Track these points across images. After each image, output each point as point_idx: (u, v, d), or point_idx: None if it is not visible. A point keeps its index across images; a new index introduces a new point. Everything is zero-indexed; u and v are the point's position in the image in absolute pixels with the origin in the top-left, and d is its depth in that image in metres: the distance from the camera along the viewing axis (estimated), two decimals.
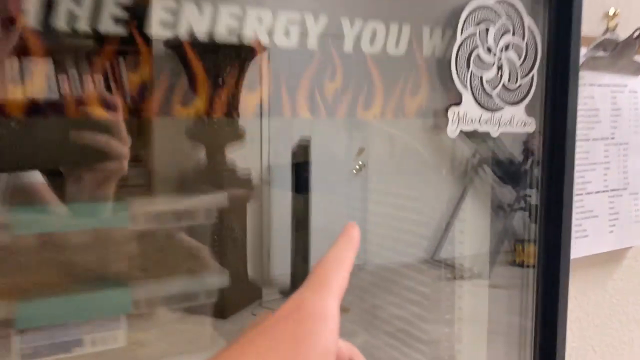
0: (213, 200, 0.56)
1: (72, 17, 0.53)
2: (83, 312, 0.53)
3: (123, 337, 0.54)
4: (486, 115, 0.71)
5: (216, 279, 0.54)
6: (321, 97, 0.62)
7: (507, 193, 2.90)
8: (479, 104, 0.71)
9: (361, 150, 2.71)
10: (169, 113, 0.58)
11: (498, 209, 2.92)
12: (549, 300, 0.89)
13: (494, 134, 0.73)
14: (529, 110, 0.77)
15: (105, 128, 0.56)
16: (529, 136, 3.14)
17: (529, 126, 0.77)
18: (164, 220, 0.57)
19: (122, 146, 0.58)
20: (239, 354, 0.26)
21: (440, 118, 0.69)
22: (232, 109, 0.58)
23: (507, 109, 0.72)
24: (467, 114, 0.70)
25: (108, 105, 0.57)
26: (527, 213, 3.20)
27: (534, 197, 3.22)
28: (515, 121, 0.75)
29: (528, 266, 2.99)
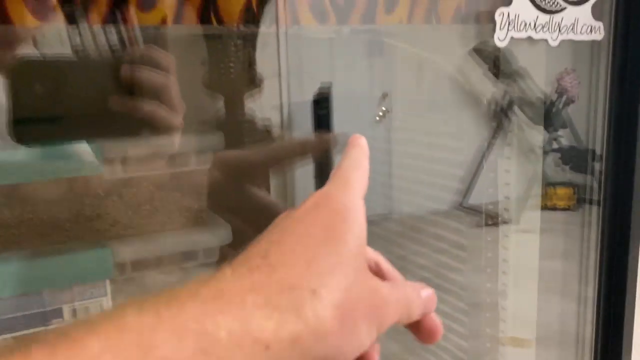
0: (206, 142, 0.46)
1: None
2: (59, 279, 0.46)
3: (108, 305, 0.47)
4: (543, 17, 0.59)
5: (218, 234, 0.45)
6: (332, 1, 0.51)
7: (538, 135, 2.77)
8: (534, 3, 0.58)
9: (385, 96, 2.60)
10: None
11: (529, 151, 2.80)
12: (617, 242, 0.79)
13: (553, 42, 0.60)
14: (596, 13, 0.63)
15: (152, 93, 0.44)
16: (563, 73, 2.97)
17: (596, 32, 0.63)
18: (149, 166, 0.47)
19: (173, 116, 0.46)
20: (274, 243, 0.27)
21: (484, 24, 0.57)
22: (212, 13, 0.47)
23: (570, 9, 0.59)
24: (520, 17, 0.57)
25: (156, 64, 0.44)
26: (558, 155, 3.08)
27: (566, 137, 3.08)
28: (580, 26, 0.62)
29: (560, 209, 2.90)
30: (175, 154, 0.46)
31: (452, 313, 1.42)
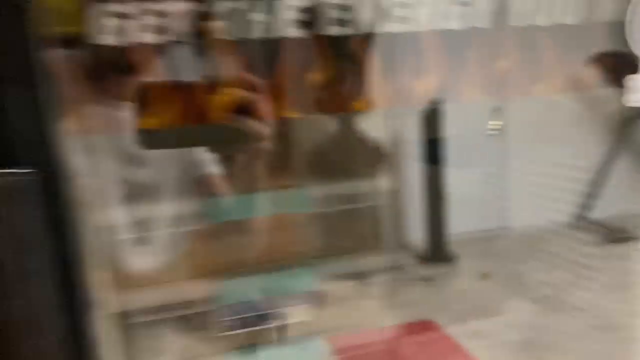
0: (373, 184, 0.58)
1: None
2: (274, 291, 0.59)
3: (308, 311, 0.60)
4: None
5: (384, 258, 0.57)
6: (493, 78, 0.60)
7: None
8: None
9: (496, 109, 2.56)
10: (345, 109, 0.59)
11: None
12: None
13: None
14: None
15: (246, 108, 0.60)
16: None
17: None
18: (334, 204, 0.60)
19: (261, 126, 0.61)
20: None
21: (614, 87, 0.63)
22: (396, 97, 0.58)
23: None
24: None
25: (250, 86, 0.60)
26: None
27: None
28: None
29: None
30: (349, 194, 0.60)
31: (578, 334, 1.40)
